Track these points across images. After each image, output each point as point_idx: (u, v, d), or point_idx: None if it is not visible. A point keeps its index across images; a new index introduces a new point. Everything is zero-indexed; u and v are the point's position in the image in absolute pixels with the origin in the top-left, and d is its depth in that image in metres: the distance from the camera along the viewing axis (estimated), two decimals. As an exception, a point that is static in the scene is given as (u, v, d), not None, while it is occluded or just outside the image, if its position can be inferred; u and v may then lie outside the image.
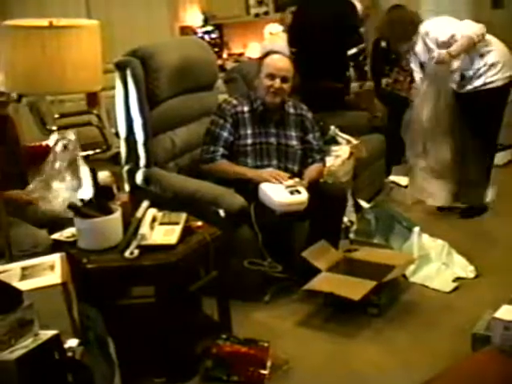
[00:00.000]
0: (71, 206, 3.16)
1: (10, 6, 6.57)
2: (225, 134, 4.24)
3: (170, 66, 4.33)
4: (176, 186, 4.16)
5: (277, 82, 4.21)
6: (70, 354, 2.10)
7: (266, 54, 4.40)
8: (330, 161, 4.88)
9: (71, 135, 3.61)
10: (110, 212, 3.15)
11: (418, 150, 5.29)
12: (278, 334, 3.65)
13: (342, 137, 5.31)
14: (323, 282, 3.83)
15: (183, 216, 3.35)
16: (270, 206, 3.95)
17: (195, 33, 8.10)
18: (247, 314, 3.86)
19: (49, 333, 2.02)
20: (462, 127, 5.16)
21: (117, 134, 4.66)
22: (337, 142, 5.28)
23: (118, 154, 4.68)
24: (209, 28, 8.31)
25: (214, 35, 8.34)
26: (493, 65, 4.97)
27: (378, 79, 6.64)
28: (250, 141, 4.25)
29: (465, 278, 4.23)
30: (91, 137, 5.92)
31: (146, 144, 4.24)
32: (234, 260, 3.79)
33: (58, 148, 3.46)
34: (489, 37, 5.03)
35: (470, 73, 5.00)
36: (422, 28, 5.04)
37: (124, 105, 4.24)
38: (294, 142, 4.35)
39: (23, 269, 2.48)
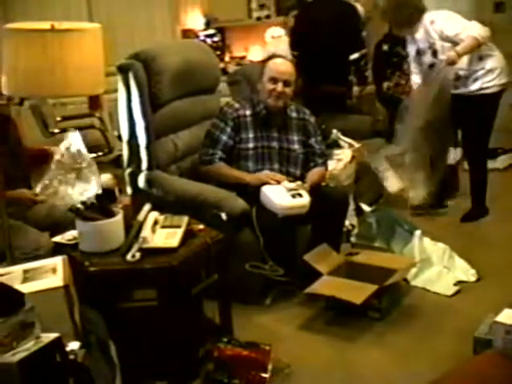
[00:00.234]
0: (73, 209, 3.16)
1: (13, 9, 6.58)
2: (224, 137, 4.24)
3: (172, 69, 4.33)
4: (178, 189, 4.17)
5: (279, 86, 4.21)
6: (71, 356, 2.10)
7: (269, 58, 4.41)
8: (332, 164, 4.88)
9: (74, 136, 3.60)
10: (111, 215, 3.15)
11: (407, 143, 5.29)
12: (279, 337, 3.65)
13: (344, 140, 5.31)
14: (324, 286, 3.83)
15: (185, 219, 3.35)
16: (271, 209, 3.95)
17: (197, 36, 8.10)
18: (249, 317, 3.86)
19: (50, 335, 2.02)
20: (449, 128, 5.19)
21: (119, 137, 4.67)
22: (339, 146, 5.28)
23: (120, 156, 4.70)
24: (211, 31, 8.32)
25: (215, 38, 8.35)
26: (491, 70, 4.97)
27: (380, 83, 6.64)
28: (251, 145, 4.26)
29: (466, 282, 4.23)
30: (93, 140, 5.93)
31: (148, 147, 4.25)
32: (235, 263, 3.78)
33: (63, 150, 3.45)
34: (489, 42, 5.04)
35: (466, 73, 4.98)
36: (428, 16, 5.02)
37: (126, 108, 4.25)
38: (296, 146, 4.35)
39: (25, 271, 2.48)
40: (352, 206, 4.81)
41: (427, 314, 3.90)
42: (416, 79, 5.31)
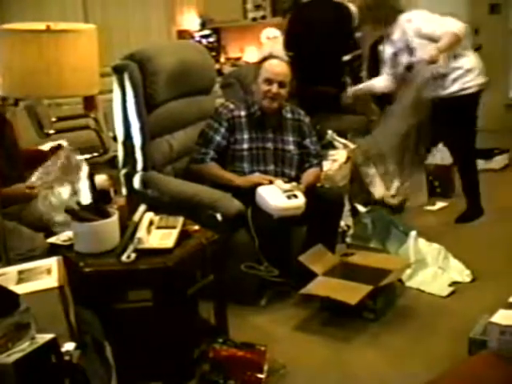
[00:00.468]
0: (68, 210, 3.16)
1: (8, 9, 6.57)
2: (218, 137, 4.25)
3: (167, 69, 4.33)
4: (173, 189, 4.17)
5: (274, 87, 4.21)
6: (66, 357, 2.10)
7: (264, 59, 4.41)
8: (327, 165, 4.89)
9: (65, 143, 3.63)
10: (107, 216, 3.15)
11: (387, 148, 5.32)
12: (274, 338, 3.65)
13: (339, 141, 5.32)
14: (320, 286, 3.83)
15: (180, 220, 3.35)
16: (267, 210, 3.96)
17: (192, 37, 8.09)
18: (244, 317, 3.86)
19: (46, 336, 2.02)
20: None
21: (114, 138, 4.66)
22: (334, 147, 5.28)
23: (115, 157, 4.69)
24: (206, 32, 8.31)
25: (211, 39, 8.34)
26: (470, 70, 4.98)
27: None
28: (246, 145, 4.26)
29: (461, 283, 4.24)
30: (89, 140, 5.92)
31: (143, 148, 4.25)
32: (230, 264, 3.79)
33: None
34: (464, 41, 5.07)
35: (443, 71, 4.95)
36: (405, 16, 5.05)
37: (121, 108, 4.25)
38: (291, 147, 4.36)
39: (20, 272, 2.48)
40: (347, 207, 4.81)
41: (422, 315, 3.91)
42: (380, 82, 5.31)
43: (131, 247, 3.09)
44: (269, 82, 4.23)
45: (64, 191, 3.40)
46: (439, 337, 3.63)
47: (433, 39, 4.85)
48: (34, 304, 2.09)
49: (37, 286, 2.35)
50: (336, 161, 5.09)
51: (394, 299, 4.04)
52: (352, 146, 5.30)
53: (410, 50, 5.04)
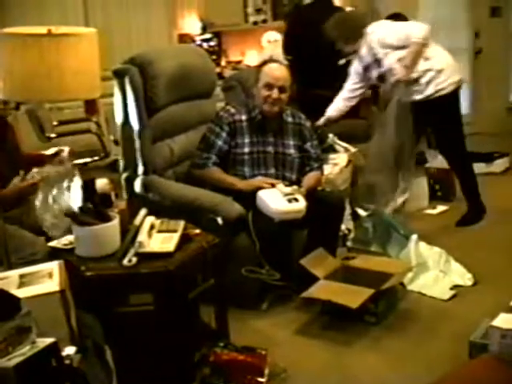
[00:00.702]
0: (69, 214, 3.16)
1: (9, 13, 6.58)
2: (219, 142, 4.25)
3: (168, 73, 4.33)
4: (174, 193, 4.17)
5: (275, 93, 4.21)
6: (67, 361, 2.10)
7: (264, 63, 4.41)
8: (328, 169, 4.88)
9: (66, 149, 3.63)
10: (108, 219, 3.15)
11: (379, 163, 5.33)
12: (275, 341, 3.65)
13: (340, 145, 5.31)
14: (321, 290, 3.83)
15: (181, 224, 3.35)
16: (267, 213, 3.96)
17: (193, 40, 8.09)
18: (245, 321, 3.86)
19: (46, 340, 2.02)
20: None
21: (115, 142, 4.66)
22: (335, 150, 5.28)
23: (116, 161, 4.69)
24: (207, 36, 8.31)
25: (212, 43, 8.34)
26: (441, 71, 4.98)
27: (376, 87, 6.64)
28: (247, 149, 4.26)
29: (462, 286, 4.24)
30: (90, 144, 5.92)
31: (144, 151, 4.25)
32: (231, 268, 3.79)
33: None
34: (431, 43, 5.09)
35: (415, 75, 4.96)
36: (368, 29, 5.08)
37: (122, 112, 4.25)
38: (292, 151, 4.36)
39: (21, 276, 2.48)
40: (348, 211, 4.81)
41: (423, 319, 3.91)
42: (331, 110, 5.32)
43: (132, 251, 3.09)
44: (269, 87, 4.23)
45: (59, 195, 3.40)
46: (440, 340, 3.63)
47: (396, 48, 4.90)
48: (35, 308, 2.09)
49: (38, 290, 2.34)
50: (337, 164, 5.08)
51: (396, 303, 4.04)
52: (353, 149, 5.30)
53: (378, 62, 5.06)
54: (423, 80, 4.96)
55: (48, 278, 2.45)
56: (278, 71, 4.28)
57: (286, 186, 4.09)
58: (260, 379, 3.18)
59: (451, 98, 5.05)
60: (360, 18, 5.21)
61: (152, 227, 3.30)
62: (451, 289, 4.19)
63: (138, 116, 4.21)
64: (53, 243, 3.29)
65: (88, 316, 2.71)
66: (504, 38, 8.39)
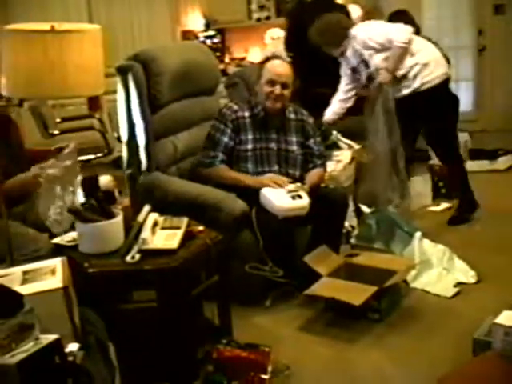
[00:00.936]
0: (72, 210, 3.16)
1: (13, 10, 6.60)
2: (225, 139, 4.24)
3: (171, 70, 4.33)
4: (178, 190, 4.16)
5: (277, 89, 4.20)
6: (70, 358, 2.10)
7: (267, 59, 4.40)
8: (331, 166, 4.88)
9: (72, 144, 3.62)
10: (111, 216, 3.15)
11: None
12: (278, 338, 3.65)
13: (344, 142, 5.31)
14: (324, 287, 3.83)
15: (184, 220, 3.35)
16: (271, 210, 3.95)
17: (197, 37, 8.11)
18: (248, 318, 3.86)
19: (49, 337, 2.02)
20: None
21: (119, 138, 4.67)
22: (338, 147, 5.28)
23: (119, 158, 4.69)
24: (211, 32, 8.33)
25: (215, 40, 8.36)
26: (426, 64, 4.99)
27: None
28: (250, 146, 4.25)
29: (466, 284, 4.23)
30: (93, 141, 5.93)
31: (147, 148, 4.25)
32: (235, 264, 3.80)
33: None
34: (416, 38, 5.11)
35: (402, 72, 4.98)
36: (351, 32, 5.09)
37: (126, 109, 4.25)
38: (295, 148, 4.35)
39: (24, 273, 2.48)
40: (351, 208, 4.81)
41: (427, 316, 3.90)
42: (328, 114, 5.34)
43: (136, 248, 3.09)
44: (272, 83, 4.22)
45: (62, 191, 3.39)
46: (444, 338, 3.62)
47: (379, 50, 4.92)
48: (38, 304, 2.09)
49: (41, 287, 2.34)
50: (340, 161, 5.08)
51: (399, 300, 4.03)
52: (356, 146, 5.30)
53: (365, 63, 5.08)
54: (410, 74, 4.98)
55: (51, 275, 2.45)
56: (281, 68, 4.27)
57: (290, 182, 4.09)
58: (263, 376, 3.18)
59: (438, 91, 5.04)
60: (341, 22, 5.20)
61: (155, 224, 3.30)
62: (455, 286, 4.18)
63: (141, 112, 4.21)
64: (56, 240, 3.29)
65: (91, 313, 2.71)
66: (507, 35, 8.37)
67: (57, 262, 2.56)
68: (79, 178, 3.38)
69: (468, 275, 4.29)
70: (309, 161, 4.41)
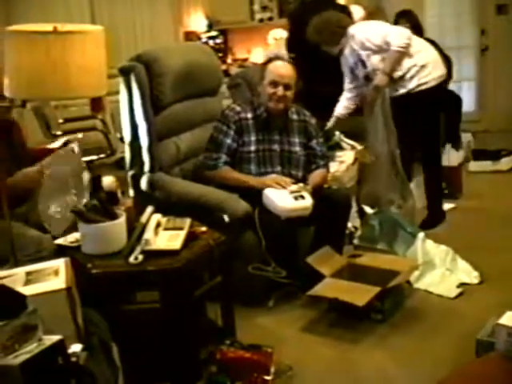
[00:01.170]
0: (75, 211, 3.16)
1: (15, 11, 6.60)
2: (228, 140, 4.24)
3: (174, 71, 4.33)
4: (180, 191, 4.17)
5: (280, 90, 4.20)
6: (73, 359, 2.10)
7: (269, 60, 4.40)
8: (334, 166, 4.88)
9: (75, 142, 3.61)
10: (114, 217, 3.15)
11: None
12: (281, 339, 3.65)
13: (347, 142, 5.31)
14: (327, 288, 3.82)
15: (187, 221, 3.35)
16: (274, 211, 3.95)
17: (199, 38, 8.12)
18: (251, 319, 3.86)
19: (53, 338, 2.02)
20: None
21: (121, 139, 4.67)
22: (341, 148, 5.27)
23: (122, 158, 4.70)
24: (213, 33, 8.33)
25: (218, 40, 8.36)
26: (424, 66, 4.98)
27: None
28: (253, 147, 4.25)
29: (469, 284, 4.22)
30: (96, 141, 5.94)
31: (150, 149, 4.25)
32: (238, 265, 3.79)
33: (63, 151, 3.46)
34: (417, 39, 5.11)
35: (400, 73, 4.98)
36: (349, 32, 5.09)
37: (128, 110, 4.25)
38: (298, 148, 4.35)
39: (27, 274, 2.48)
40: (354, 208, 4.81)
41: (430, 316, 3.90)
42: (339, 108, 5.38)
43: (138, 248, 3.09)
44: (274, 84, 4.22)
45: (65, 189, 3.39)
46: (447, 338, 3.61)
47: (376, 51, 4.94)
48: (41, 305, 2.09)
49: (44, 288, 2.35)
50: (343, 162, 5.08)
51: (402, 301, 4.03)
52: (359, 147, 5.29)
53: (363, 63, 5.09)
54: (408, 75, 4.98)
55: (54, 276, 2.45)
56: (283, 69, 4.27)
57: (293, 183, 4.08)
58: (266, 377, 3.18)
59: (433, 93, 5.04)
60: (340, 21, 5.20)
61: (158, 225, 3.31)
62: (458, 287, 4.17)
63: (144, 113, 4.21)
64: (59, 241, 3.29)
65: (94, 313, 2.71)
66: (510, 35, 8.36)
67: (60, 263, 2.57)
68: (87, 177, 3.38)
69: (471, 276, 4.29)
70: (311, 161, 4.40)
